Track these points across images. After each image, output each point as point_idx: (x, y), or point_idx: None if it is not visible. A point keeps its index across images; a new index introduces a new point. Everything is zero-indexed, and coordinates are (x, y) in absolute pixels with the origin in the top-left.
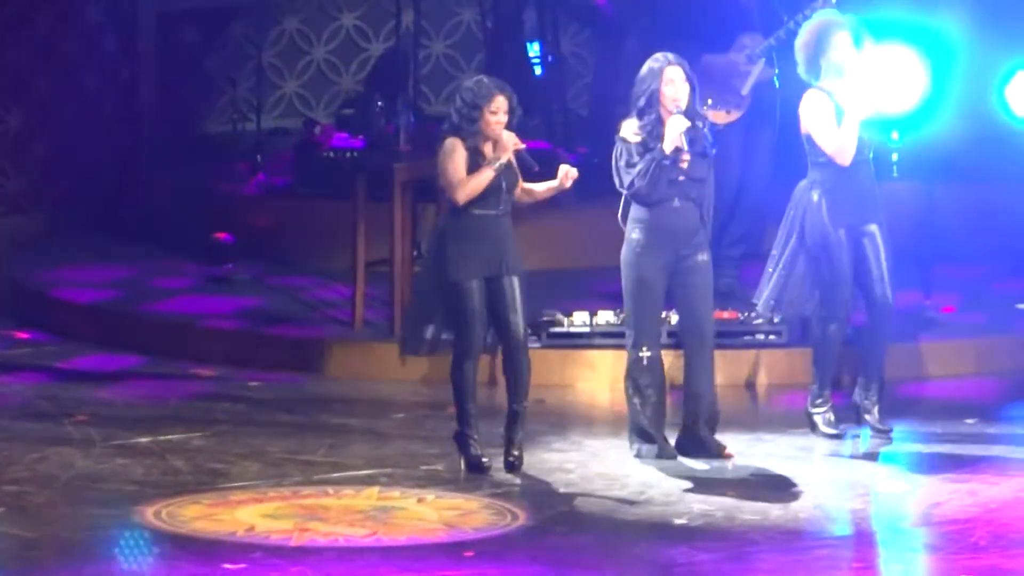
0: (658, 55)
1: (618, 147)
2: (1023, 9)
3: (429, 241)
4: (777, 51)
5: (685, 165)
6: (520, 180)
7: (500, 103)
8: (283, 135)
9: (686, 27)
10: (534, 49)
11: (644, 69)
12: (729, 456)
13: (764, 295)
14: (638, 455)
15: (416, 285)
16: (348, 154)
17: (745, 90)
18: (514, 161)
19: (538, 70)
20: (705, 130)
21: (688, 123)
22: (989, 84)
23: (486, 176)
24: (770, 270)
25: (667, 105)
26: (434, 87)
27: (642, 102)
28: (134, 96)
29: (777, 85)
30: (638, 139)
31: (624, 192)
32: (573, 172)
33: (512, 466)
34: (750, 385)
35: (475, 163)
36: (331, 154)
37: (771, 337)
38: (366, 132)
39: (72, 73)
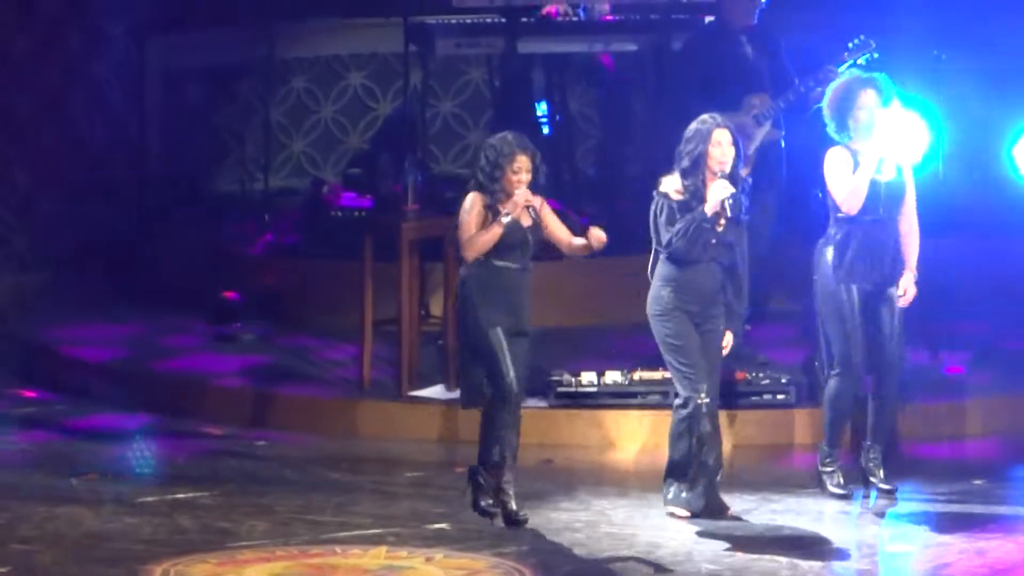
0: (706, 116)
1: (659, 202)
2: None
3: (456, 293)
4: (785, 113)
5: (721, 229)
6: (559, 235)
7: (522, 162)
8: (291, 194)
9: (697, 87)
10: (542, 109)
11: (692, 129)
12: (730, 515)
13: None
14: (674, 500)
15: (459, 339)
16: (356, 213)
17: (750, 150)
18: (536, 217)
19: (546, 130)
20: (742, 196)
21: (732, 189)
22: (997, 142)
23: (494, 233)
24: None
25: (712, 167)
26: (442, 146)
27: (686, 162)
28: (142, 153)
29: (783, 146)
30: (680, 198)
31: (660, 249)
32: (601, 236)
33: (518, 520)
34: (757, 446)
35: (492, 220)
36: (339, 213)
37: (779, 397)
38: (374, 191)
39: (79, 130)
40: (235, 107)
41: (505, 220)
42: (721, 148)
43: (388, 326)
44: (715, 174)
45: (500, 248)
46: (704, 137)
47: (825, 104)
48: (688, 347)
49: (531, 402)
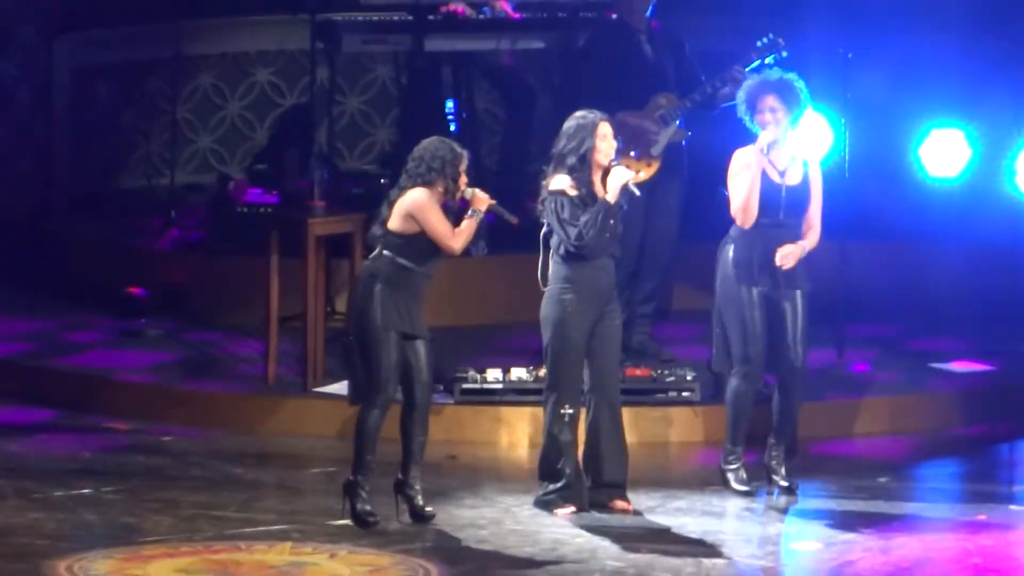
0: (584, 112)
1: (557, 201)
2: (936, 70)
3: (356, 286)
4: (691, 113)
5: (613, 222)
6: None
7: (465, 164)
8: (197, 190)
9: (600, 87)
10: (448, 106)
11: (571, 125)
12: (626, 511)
13: (714, 355)
14: (544, 496)
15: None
16: (262, 209)
17: (656, 151)
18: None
19: (452, 127)
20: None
21: (632, 174)
22: (903, 143)
23: (473, 224)
24: (717, 330)
25: (600, 160)
26: (348, 143)
27: (573, 159)
28: (48, 150)
29: (684, 145)
30: (576, 193)
31: (571, 246)
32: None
33: (424, 517)
34: (663, 443)
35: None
36: (245, 209)
37: (684, 394)
38: (280, 187)
39: None
40: (142, 104)
41: (479, 216)
42: (607, 141)
43: (294, 322)
44: (601, 167)
45: (420, 253)
46: (590, 132)
47: (739, 100)
48: (571, 358)
49: (437, 398)
